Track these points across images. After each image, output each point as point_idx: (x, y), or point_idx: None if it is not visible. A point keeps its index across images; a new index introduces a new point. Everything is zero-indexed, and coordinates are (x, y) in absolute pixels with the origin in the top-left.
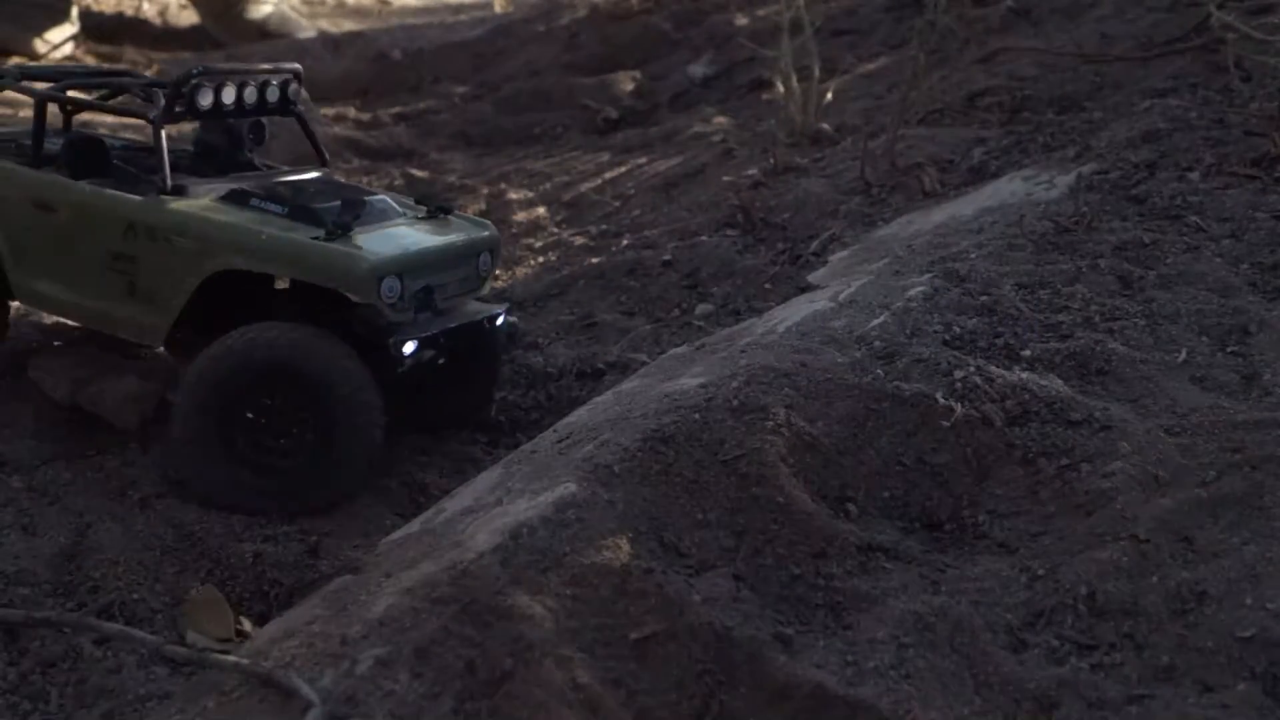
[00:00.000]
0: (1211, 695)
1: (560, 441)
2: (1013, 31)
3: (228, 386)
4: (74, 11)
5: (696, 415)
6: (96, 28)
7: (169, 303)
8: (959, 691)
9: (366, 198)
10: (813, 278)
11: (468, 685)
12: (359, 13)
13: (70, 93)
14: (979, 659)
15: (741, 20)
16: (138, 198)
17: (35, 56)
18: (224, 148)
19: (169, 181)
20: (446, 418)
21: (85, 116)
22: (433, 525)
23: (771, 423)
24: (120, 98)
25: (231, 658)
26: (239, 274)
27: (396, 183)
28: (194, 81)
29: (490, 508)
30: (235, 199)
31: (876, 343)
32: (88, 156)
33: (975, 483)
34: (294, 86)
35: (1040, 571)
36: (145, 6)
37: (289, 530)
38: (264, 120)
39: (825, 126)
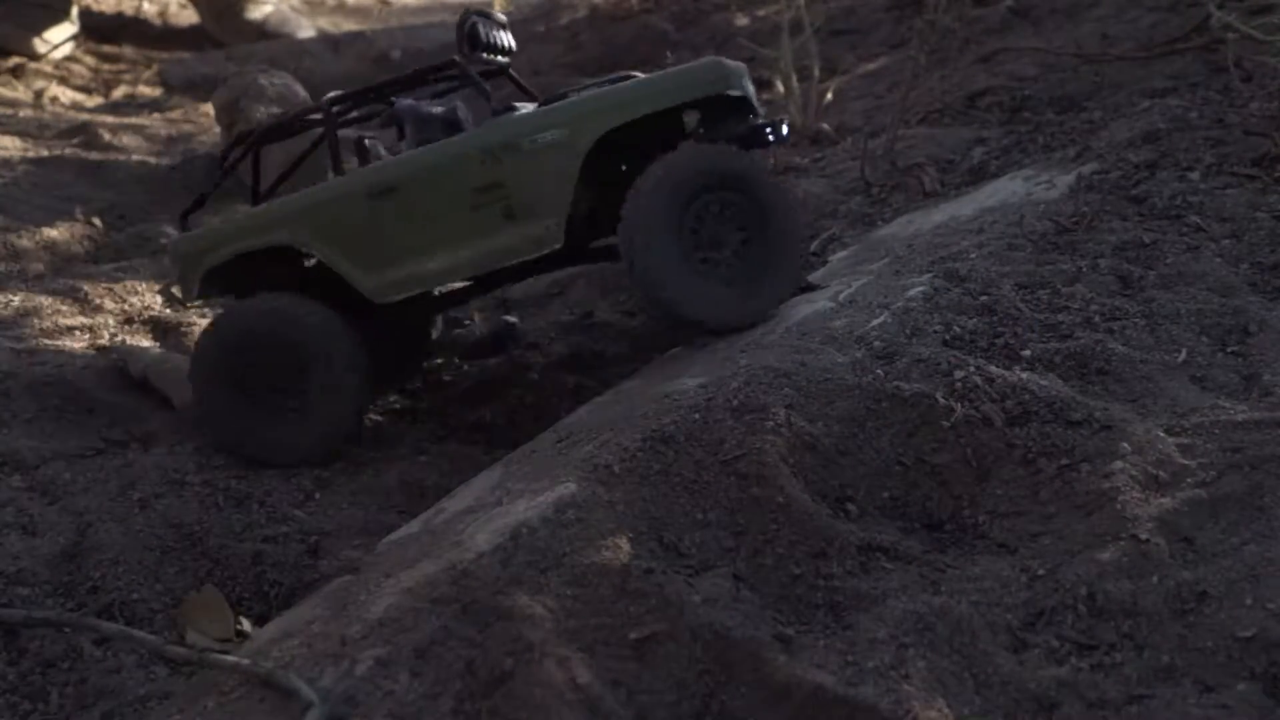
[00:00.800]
0: (1211, 695)
1: (560, 441)
2: (1013, 31)
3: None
4: (74, 11)
5: (696, 415)
6: (96, 27)
7: (555, 201)
8: (959, 691)
9: None
10: (813, 278)
11: (468, 685)
12: (359, 13)
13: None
14: (979, 659)
15: (741, 20)
16: (479, 129)
17: (35, 56)
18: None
19: (489, 97)
20: None
21: None
22: (433, 525)
23: (771, 423)
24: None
25: (231, 658)
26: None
27: None
28: (471, 20)
29: (490, 508)
30: (556, 98)
31: (876, 343)
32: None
33: (975, 483)
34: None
35: (1040, 571)
36: (145, 6)
37: (289, 530)
38: (457, 108)
39: (825, 126)
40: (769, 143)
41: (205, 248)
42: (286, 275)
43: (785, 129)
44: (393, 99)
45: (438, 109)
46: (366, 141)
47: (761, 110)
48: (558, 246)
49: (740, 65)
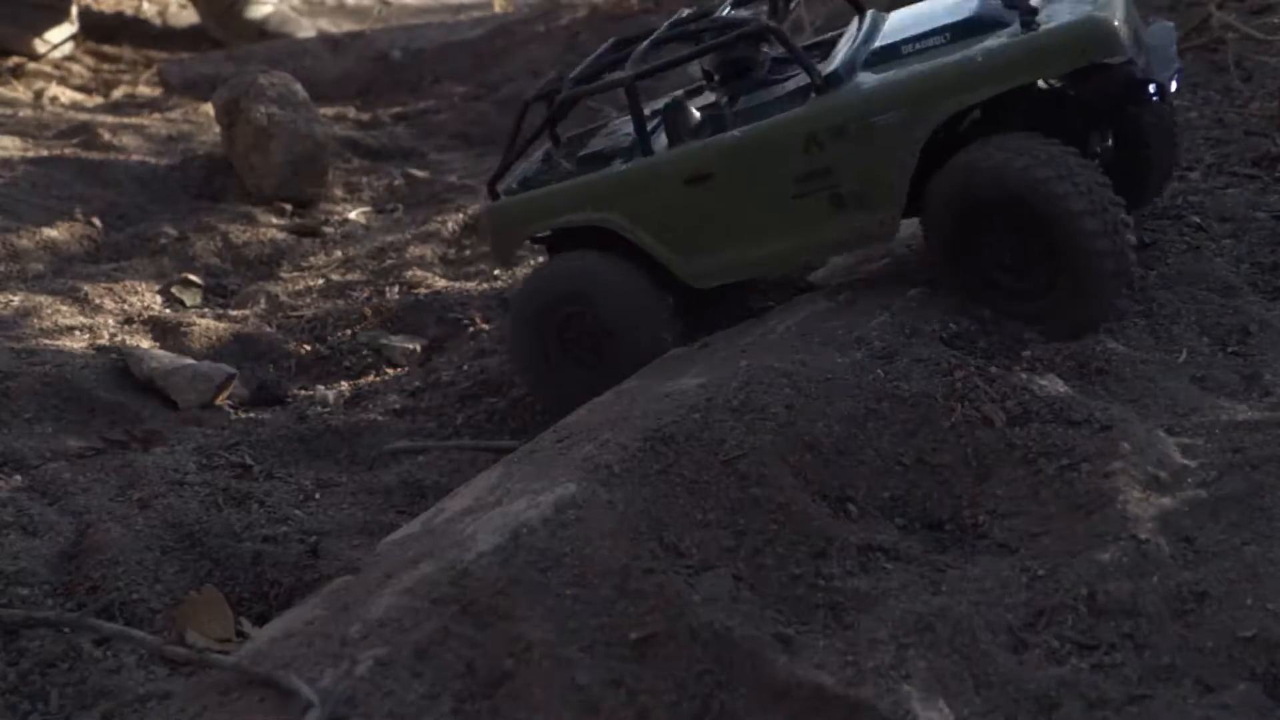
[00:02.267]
0: (1212, 695)
1: (560, 441)
2: None
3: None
4: (73, 11)
5: (696, 415)
6: (96, 27)
7: (891, 190)
8: (959, 691)
9: None
10: (813, 278)
11: (467, 685)
12: (359, 13)
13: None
14: (979, 659)
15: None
16: (802, 109)
17: (34, 56)
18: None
19: (820, 76)
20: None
21: None
22: (433, 525)
23: (772, 423)
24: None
25: (231, 658)
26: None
27: (397, 182)
28: None
29: (490, 508)
30: (883, 56)
31: (876, 343)
32: (682, 117)
33: (975, 483)
34: None
35: (1040, 571)
36: (145, 6)
37: (289, 530)
38: None
39: None
40: (1149, 99)
41: (524, 219)
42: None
43: (1175, 83)
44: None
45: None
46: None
47: (1141, 61)
48: (892, 238)
49: (1114, 23)
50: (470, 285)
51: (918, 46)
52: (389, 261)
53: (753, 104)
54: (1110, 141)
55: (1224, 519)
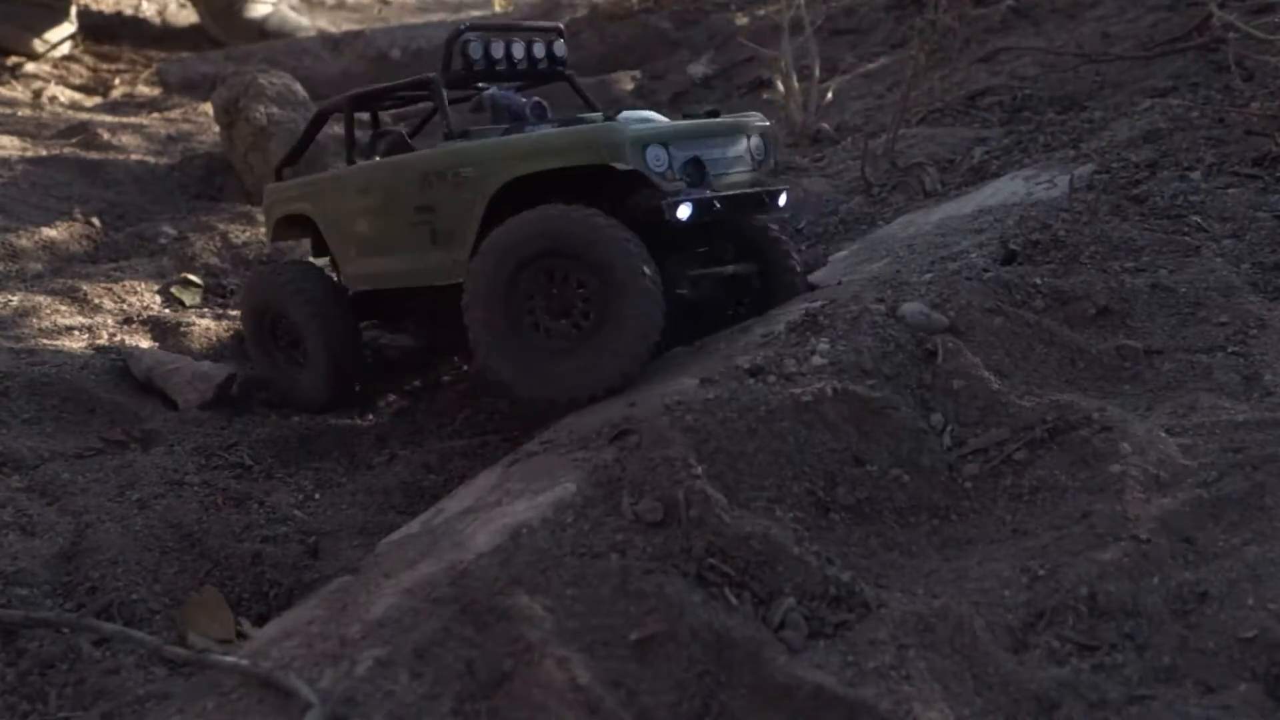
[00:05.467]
0: (1213, 696)
1: (560, 442)
2: (1013, 31)
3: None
4: (73, 11)
5: (695, 415)
6: (95, 27)
7: (465, 235)
8: (959, 692)
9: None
10: (813, 278)
11: (467, 686)
12: (359, 12)
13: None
14: (979, 660)
15: (741, 20)
16: (430, 150)
17: (34, 56)
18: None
19: (452, 128)
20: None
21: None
22: (433, 525)
23: (773, 424)
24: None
25: (231, 659)
26: (519, 194)
27: None
28: (464, 38)
29: (490, 508)
30: (514, 130)
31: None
32: (393, 143)
33: (976, 482)
34: (559, 43)
35: (1041, 572)
36: (144, 6)
37: (288, 530)
38: (544, 104)
39: (825, 126)
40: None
41: (276, 203)
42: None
43: (686, 211)
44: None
45: (522, 100)
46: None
47: (673, 185)
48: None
49: (638, 133)
50: None
51: (538, 126)
52: None
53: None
54: (722, 270)
55: (1224, 519)
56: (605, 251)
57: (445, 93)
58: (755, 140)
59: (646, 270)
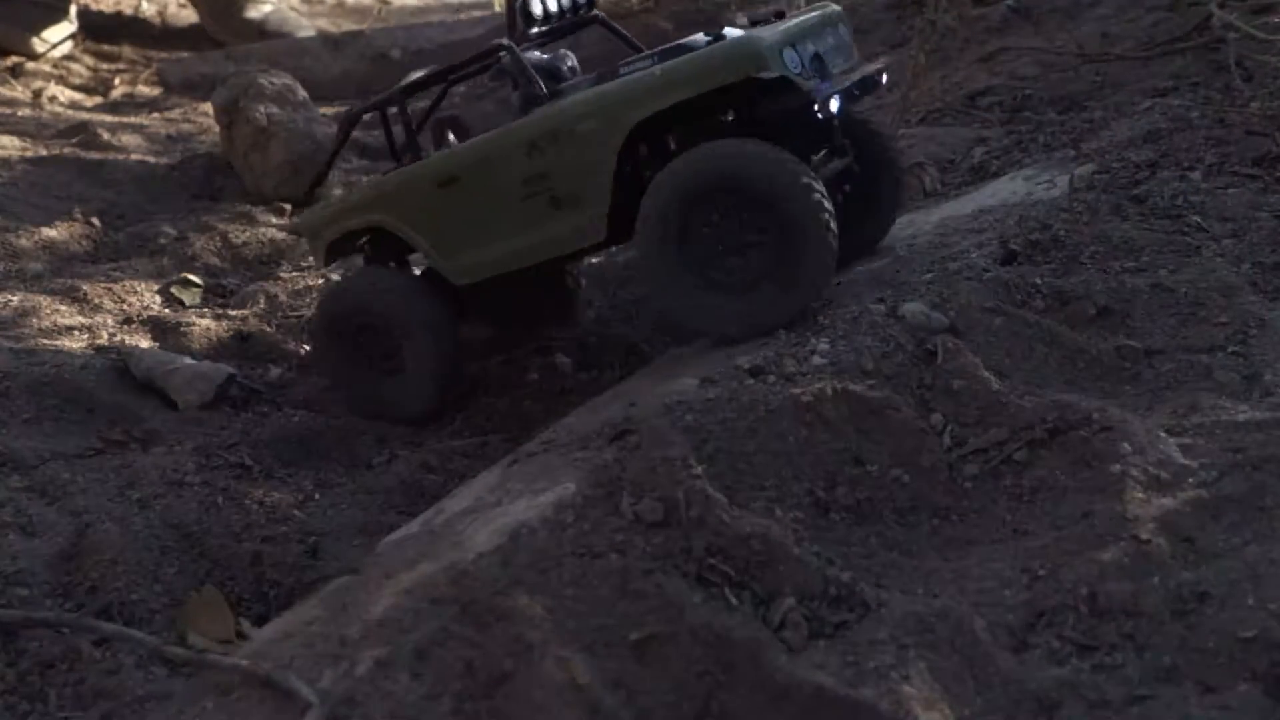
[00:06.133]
0: (1213, 696)
1: (560, 442)
2: (1013, 31)
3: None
4: (72, 10)
5: (695, 415)
6: (95, 27)
7: (597, 193)
8: (960, 692)
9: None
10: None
11: (467, 686)
12: (359, 12)
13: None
14: (980, 659)
15: (742, 20)
16: (528, 117)
17: (34, 56)
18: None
19: (544, 89)
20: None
21: None
22: (433, 525)
23: (773, 426)
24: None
25: (231, 659)
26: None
27: None
28: None
29: (490, 508)
30: (606, 76)
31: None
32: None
33: (977, 483)
34: None
35: (1041, 572)
36: (144, 6)
37: (288, 530)
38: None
39: None
40: (816, 118)
41: (325, 224)
42: None
43: (835, 103)
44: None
45: (544, 58)
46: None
47: (812, 82)
48: (599, 240)
49: (773, 39)
50: None
51: (631, 68)
52: None
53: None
54: (837, 165)
55: (1225, 519)
56: (782, 187)
57: (520, 54)
58: (843, 27)
59: (824, 204)
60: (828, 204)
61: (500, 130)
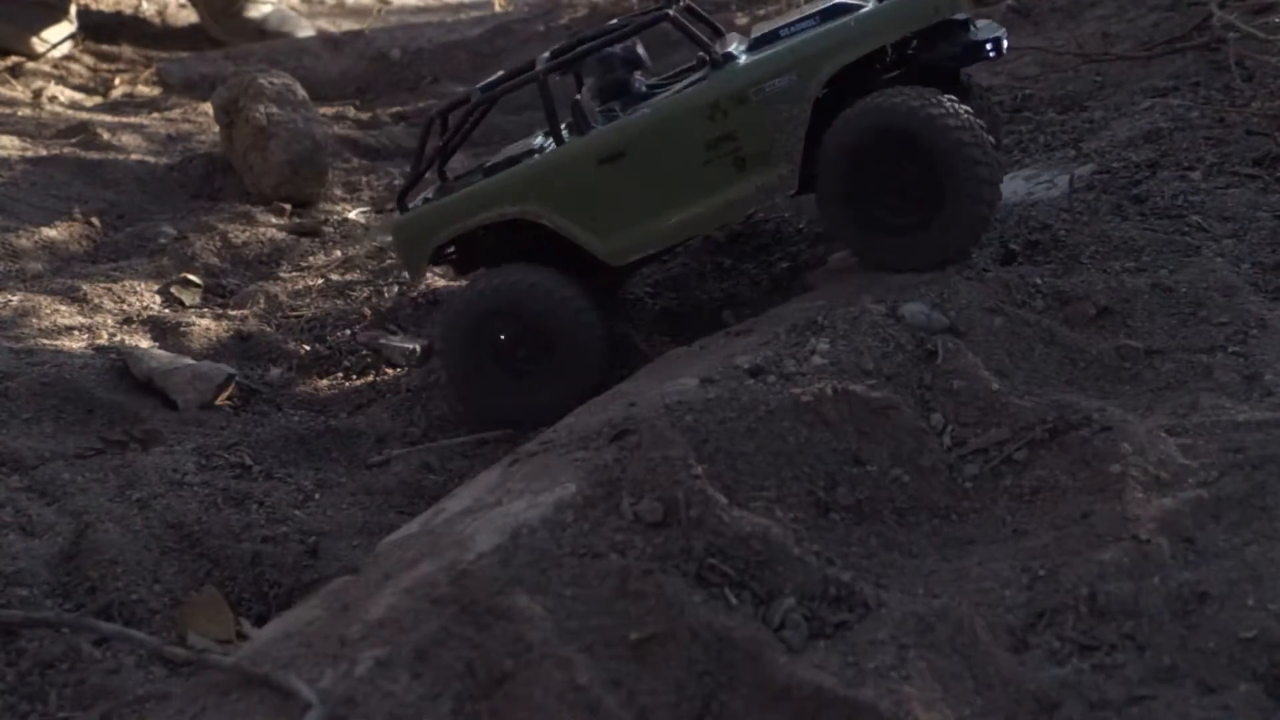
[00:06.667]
0: (1213, 696)
1: (560, 442)
2: (1013, 31)
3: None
4: (72, 10)
5: (695, 415)
6: (95, 27)
7: (788, 148)
8: (960, 692)
9: None
10: (812, 278)
11: (467, 686)
12: (358, 12)
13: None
14: (980, 660)
15: (742, 20)
16: (705, 83)
17: (33, 55)
18: (622, 82)
19: (718, 54)
20: None
21: None
22: (433, 525)
23: (774, 425)
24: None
25: (230, 659)
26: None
27: (396, 182)
28: None
29: (490, 508)
30: (763, 42)
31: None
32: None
33: (977, 482)
34: None
35: (1041, 572)
36: (144, 5)
37: (288, 530)
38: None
39: None
40: (987, 56)
41: (436, 226)
42: None
43: (1005, 42)
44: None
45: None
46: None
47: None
48: (790, 194)
49: None
50: None
51: (793, 30)
52: (388, 261)
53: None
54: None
55: (1225, 519)
56: (941, 138)
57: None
58: None
59: (983, 155)
60: (984, 152)
61: (667, 98)
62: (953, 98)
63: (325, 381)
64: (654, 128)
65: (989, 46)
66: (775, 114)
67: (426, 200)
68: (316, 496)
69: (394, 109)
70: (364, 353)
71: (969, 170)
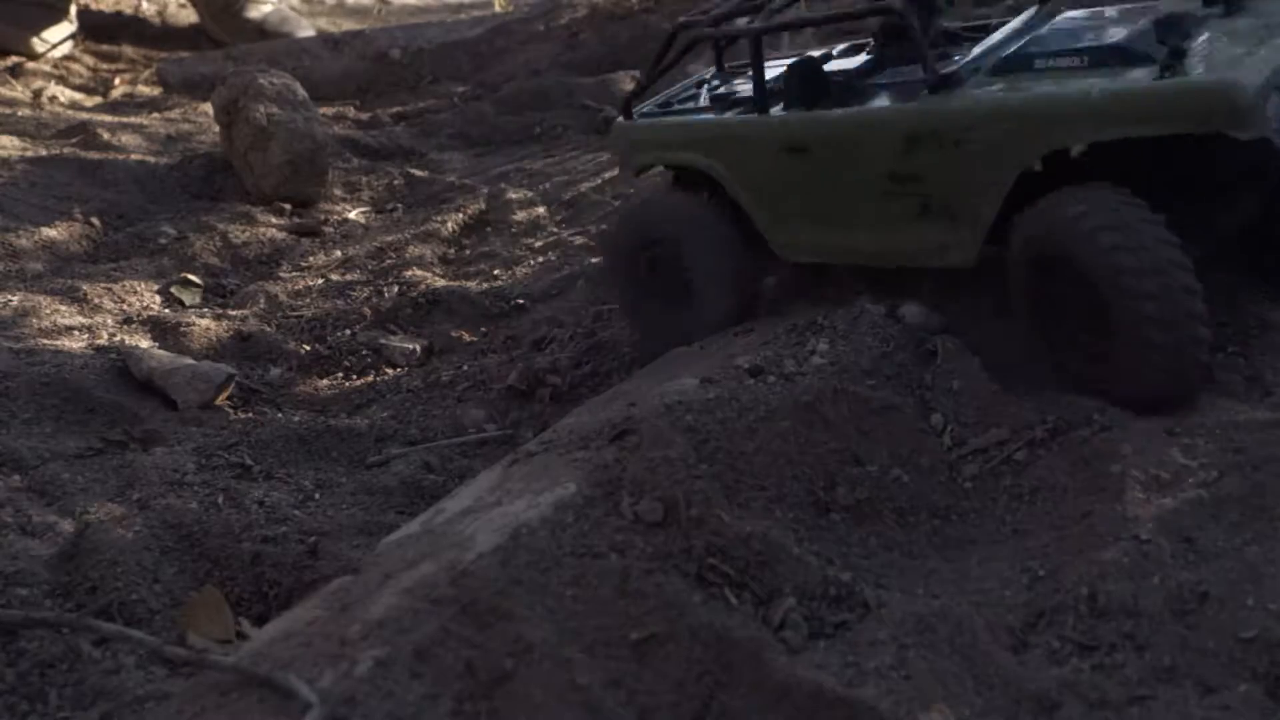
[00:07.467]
0: (1213, 696)
1: (560, 442)
2: None
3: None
4: (72, 10)
5: (695, 415)
6: (95, 27)
7: (976, 213)
8: (960, 692)
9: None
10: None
11: (467, 686)
12: (358, 12)
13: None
14: (980, 660)
15: (741, 20)
16: (909, 106)
17: (34, 56)
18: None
19: (936, 74)
20: None
21: None
22: (433, 525)
23: (773, 425)
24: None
25: (230, 659)
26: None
27: (396, 182)
28: None
29: (490, 508)
30: (1014, 65)
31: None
32: (811, 83)
33: (977, 482)
34: None
35: (1041, 572)
36: (144, 5)
37: (288, 530)
38: None
39: None
40: None
41: (641, 146)
42: None
43: None
44: None
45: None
46: None
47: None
48: (968, 266)
49: (1252, 91)
50: (470, 285)
51: (1051, 64)
52: (388, 261)
53: (892, 80)
54: (1252, 207)
55: (1225, 519)
56: (1097, 260)
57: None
58: None
59: (1154, 287)
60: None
61: (875, 109)
62: (1139, 204)
63: (325, 381)
64: (842, 136)
65: None
66: (975, 170)
67: (643, 115)
68: (316, 496)
69: (394, 109)
70: (364, 353)
71: (1128, 305)
